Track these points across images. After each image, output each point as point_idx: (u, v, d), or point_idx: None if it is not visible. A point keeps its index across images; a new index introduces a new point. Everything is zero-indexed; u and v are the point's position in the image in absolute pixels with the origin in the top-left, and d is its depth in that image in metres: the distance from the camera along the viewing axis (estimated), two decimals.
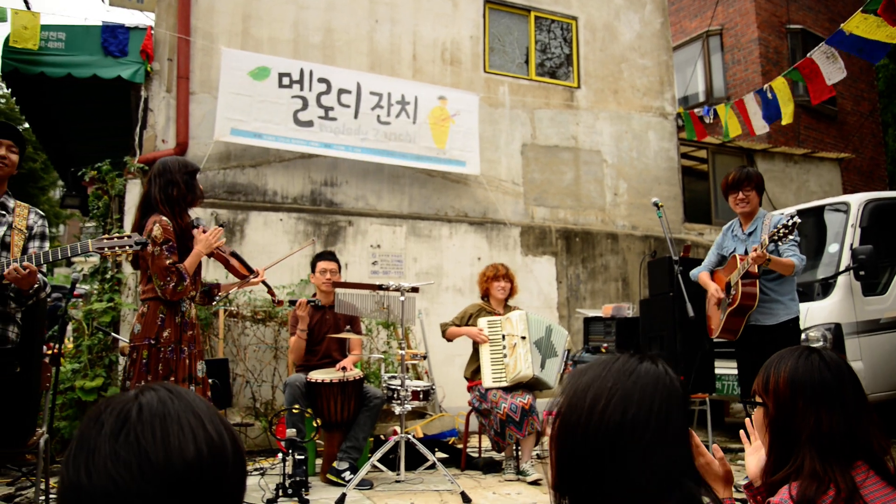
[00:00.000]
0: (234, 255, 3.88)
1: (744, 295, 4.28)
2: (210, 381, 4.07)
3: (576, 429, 1.18)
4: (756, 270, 4.25)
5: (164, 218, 3.53)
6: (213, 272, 6.06)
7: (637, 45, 9.36)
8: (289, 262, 6.35)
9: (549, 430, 1.26)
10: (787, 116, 7.02)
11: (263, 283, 4.02)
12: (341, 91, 7.20)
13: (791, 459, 1.68)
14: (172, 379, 3.49)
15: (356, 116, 7.21)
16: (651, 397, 1.16)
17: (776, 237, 3.97)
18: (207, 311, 6.13)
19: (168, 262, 3.45)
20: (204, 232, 3.67)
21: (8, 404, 3.46)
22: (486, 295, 5.46)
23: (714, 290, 4.52)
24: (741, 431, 2.06)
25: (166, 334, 3.51)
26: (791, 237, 4.03)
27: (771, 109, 7.27)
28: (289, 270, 6.65)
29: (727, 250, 4.65)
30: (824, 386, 1.66)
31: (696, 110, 8.95)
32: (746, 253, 4.40)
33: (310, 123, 7.02)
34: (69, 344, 6.50)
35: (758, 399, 1.80)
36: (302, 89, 7.03)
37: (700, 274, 4.80)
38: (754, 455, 1.94)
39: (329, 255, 5.38)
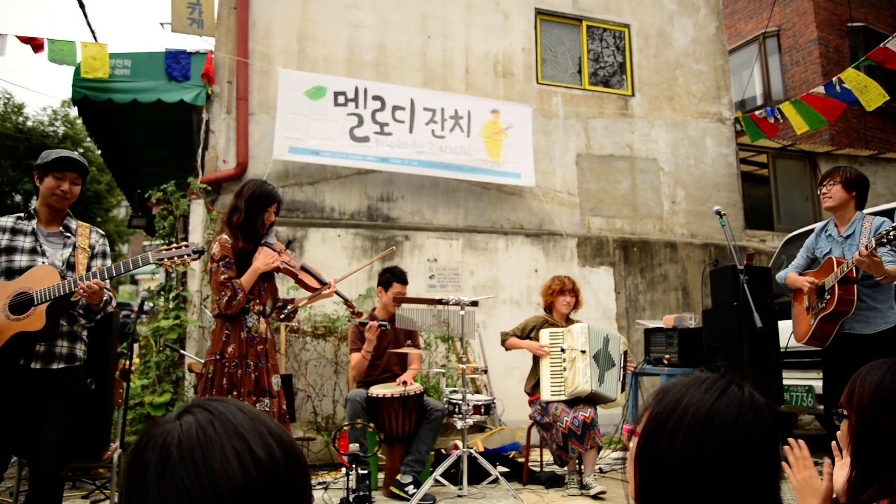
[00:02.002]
0: (304, 268, 3.96)
1: (840, 300, 4.07)
2: None
3: (655, 456, 1.16)
4: (855, 275, 4.05)
5: (224, 236, 3.71)
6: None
7: (692, 51, 9.21)
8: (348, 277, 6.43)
9: (630, 445, 1.25)
10: (871, 102, 6.70)
11: (337, 293, 4.06)
12: (395, 108, 7.29)
13: (878, 476, 1.61)
14: (235, 393, 3.59)
15: (411, 131, 7.29)
16: (730, 434, 1.12)
17: (885, 240, 3.72)
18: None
19: (223, 277, 3.62)
20: (279, 252, 3.83)
21: (83, 420, 3.58)
22: (549, 307, 5.42)
23: (808, 280, 4.32)
24: (832, 443, 1.97)
25: (231, 350, 3.64)
26: None
27: (845, 96, 7.04)
28: (347, 284, 6.72)
29: (821, 251, 4.45)
30: None
31: (757, 113, 8.74)
32: (843, 256, 4.24)
33: (366, 139, 7.12)
34: (136, 360, 6.71)
35: (844, 412, 1.74)
36: (357, 107, 7.15)
37: (788, 274, 4.64)
38: (842, 470, 1.86)
39: (405, 279, 5.30)
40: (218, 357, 3.63)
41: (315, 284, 3.96)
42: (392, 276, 5.28)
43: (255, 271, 3.71)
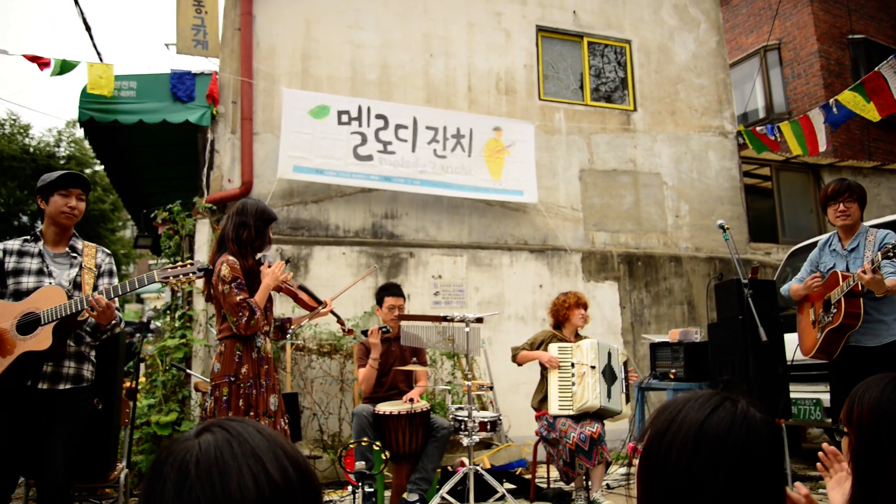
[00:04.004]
0: (301, 288, 4.01)
1: (847, 314, 4.06)
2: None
3: (653, 473, 1.17)
4: (861, 289, 4.03)
5: (231, 257, 3.67)
6: (280, 307, 6.19)
7: (693, 65, 9.26)
8: (352, 294, 6.43)
9: (636, 462, 1.25)
10: (873, 116, 6.75)
11: (332, 312, 4.13)
12: (398, 126, 7.34)
13: (881, 494, 1.60)
14: (252, 414, 3.59)
15: (413, 150, 7.34)
16: (721, 449, 1.11)
17: (892, 254, 3.74)
18: (275, 345, 6.25)
19: (238, 298, 3.57)
20: (269, 267, 3.81)
21: (89, 440, 3.59)
22: (558, 323, 5.41)
23: (811, 281, 4.31)
24: (818, 464, 1.95)
25: (244, 370, 3.62)
26: None
27: (839, 117, 7.10)
28: (352, 302, 6.74)
29: (825, 266, 4.44)
30: None
31: (758, 128, 8.78)
32: (847, 269, 4.24)
33: (369, 158, 7.17)
34: (143, 379, 6.71)
35: (844, 428, 1.73)
36: (360, 126, 7.20)
37: (792, 286, 4.63)
38: (838, 488, 1.84)
39: (397, 291, 5.37)
40: (233, 379, 3.59)
41: (312, 303, 4.01)
42: (384, 291, 5.37)
43: (266, 288, 3.72)
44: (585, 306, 5.36)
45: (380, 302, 5.34)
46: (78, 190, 3.38)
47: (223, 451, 0.88)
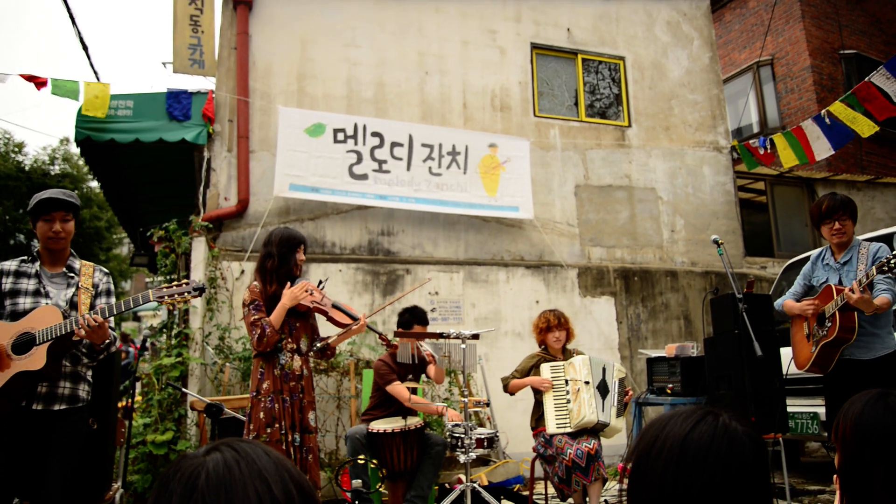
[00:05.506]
0: (335, 306, 4.14)
1: (842, 328, 4.07)
2: None
3: (640, 489, 1.18)
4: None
5: (255, 283, 4.00)
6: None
7: (686, 81, 9.33)
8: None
9: (625, 482, 1.27)
10: (864, 131, 6.78)
11: (368, 327, 4.23)
12: (394, 144, 7.37)
13: None
14: (277, 426, 3.78)
15: (409, 169, 7.37)
16: (703, 463, 1.13)
17: (885, 269, 3.74)
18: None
19: (253, 318, 3.87)
20: (310, 292, 4.01)
21: (85, 460, 3.57)
22: (543, 343, 5.38)
23: (805, 304, 4.32)
24: (835, 476, 1.95)
25: (266, 386, 3.85)
26: None
27: (835, 136, 7.12)
28: None
29: (818, 280, 4.46)
30: (892, 435, 1.57)
31: (751, 142, 8.83)
32: (840, 283, 4.25)
33: (364, 177, 7.19)
34: (138, 398, 6.68)
35: (834, 445, 1.74)
36: (356, 144, 7.23)
37: (786, 302, 4.64)
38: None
39: (426, 321, 5.28)
40: (255, 394, 3.86)
41: (346, 321, 4.13)
42: (413, 318, 5.24)
43: (282, 307, 3.90)
44: (559, 326, 5.26)
45: (407, 327, 5.20)
46: (60, 212, 3.34)
47: (231, 469, 0.90)
